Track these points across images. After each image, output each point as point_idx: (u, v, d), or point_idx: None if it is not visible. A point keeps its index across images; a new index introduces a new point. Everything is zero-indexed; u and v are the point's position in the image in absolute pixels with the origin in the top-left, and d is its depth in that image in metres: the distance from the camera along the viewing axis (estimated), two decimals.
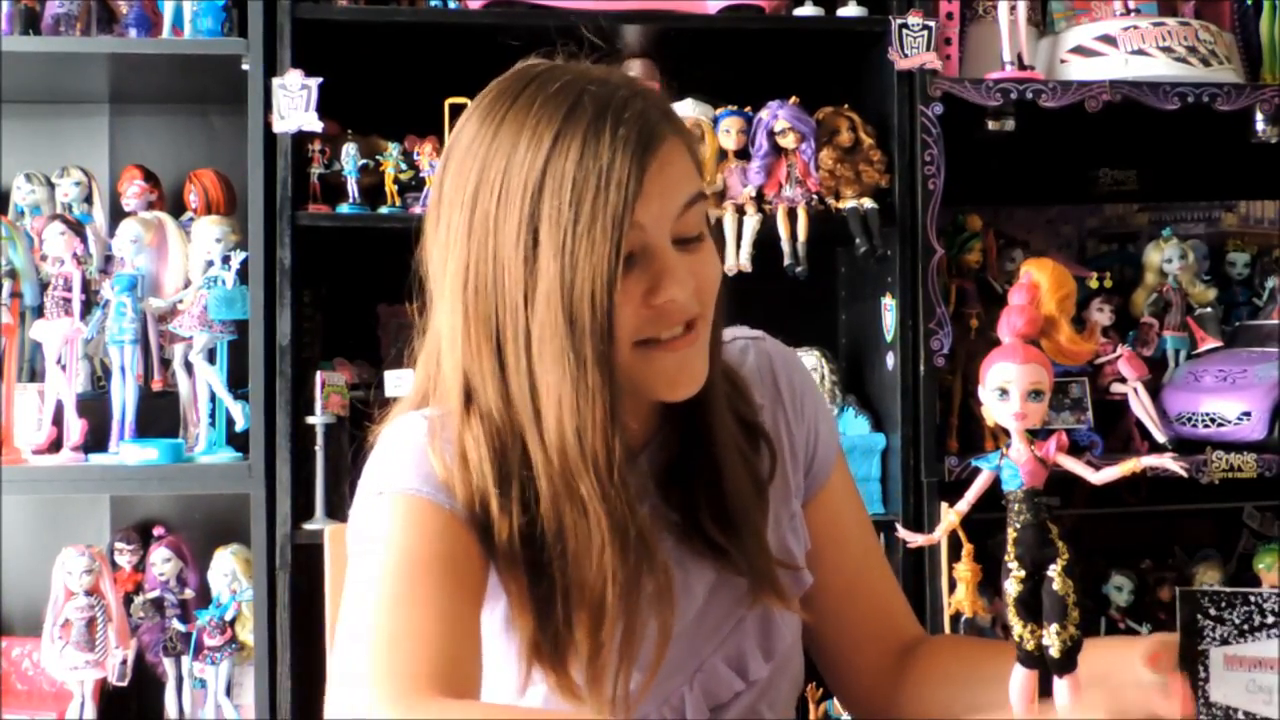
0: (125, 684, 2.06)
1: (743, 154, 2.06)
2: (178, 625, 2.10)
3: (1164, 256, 2.22)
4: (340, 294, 2.25)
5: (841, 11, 2.11)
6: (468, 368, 1.00)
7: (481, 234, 0.97)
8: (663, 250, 0.98)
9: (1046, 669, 1.53)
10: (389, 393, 2.03)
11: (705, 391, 1.04)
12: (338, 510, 1.98)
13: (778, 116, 2.02)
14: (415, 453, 1.01)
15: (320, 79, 1.96)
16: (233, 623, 2.08)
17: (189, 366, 2.07)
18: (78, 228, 2.10)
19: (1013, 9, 2.08)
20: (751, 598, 1.09)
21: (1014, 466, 1.66)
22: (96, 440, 2.03)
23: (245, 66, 1.98)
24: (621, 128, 0.96)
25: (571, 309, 0.94)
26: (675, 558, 1.05)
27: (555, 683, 0.98)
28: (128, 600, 2.11)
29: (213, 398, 2.05)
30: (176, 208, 2.24)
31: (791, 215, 2.01)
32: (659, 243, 0.98)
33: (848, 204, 2.03)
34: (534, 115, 0.97)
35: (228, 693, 2.08)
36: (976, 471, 1.70)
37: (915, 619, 1.27)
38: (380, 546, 0.98)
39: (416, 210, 2.03)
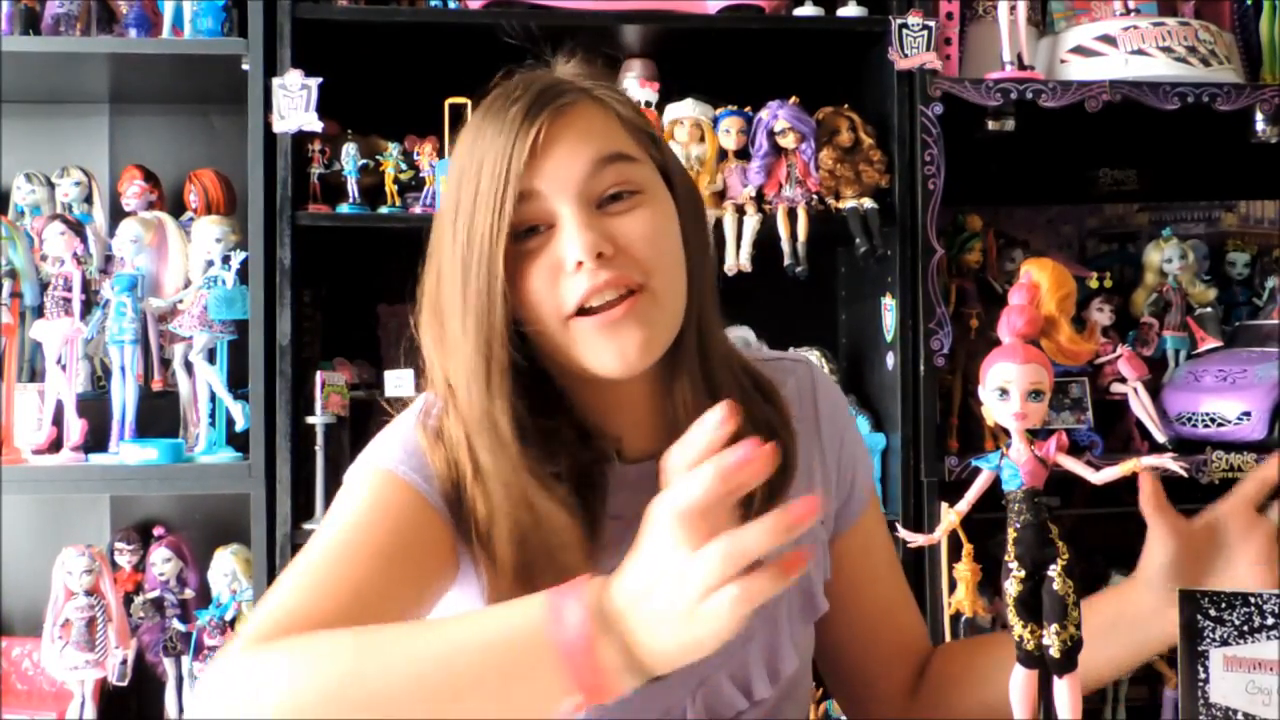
0: (125, 684, 2.06)
1: (743, 154, 2.06)
2: (178, 625, 2.10)
3: (1164, 256, 2.22)
4: (340, 294, 2.25)
5: (841, 11, 2.11)
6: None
7: (436, 229, 1.05)
8: (563, 214, 0.99)
9: (1047, 669, 1.53)
10: (389, 393, 2.04)
11: (693, 391, 1.03)
12: None
13: (778, 116, 2.02)
14: (406, 432, 1.04)
15: (320, 79, 1.96)
16: (233, 623, 2.09)
17: (189, 366, 2.07)
18: (78, 228, 2.10)
19: (1012, 9, 2.08)
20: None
21: (1014, 466, 1.66)
22: (96, 440, 2.03)
23: (245, 66, 1.98)
24: (516, 105, 1.00)
25: (469, 282, 0.98)
26: None
27: None
28: (128, 600, 2.11)
29: (213, 398, 2.05)
30: (176, 208, 2.24)
31: (791, 215, 2.01)
32: (561, 207, 0.99)
33: (848, 204, 2.03)
34: (475, 116, 1.04)
35: None
36: (976, 471, 1.70)
37: (928, 638, 1.29)
38: (337, 509, 1.00)
39: (416, 210, 2.03)
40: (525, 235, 1.00)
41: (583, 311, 0.99)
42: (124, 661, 2.04)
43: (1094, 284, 2.16)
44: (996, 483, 1.71)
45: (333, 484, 2.00)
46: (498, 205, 0.98)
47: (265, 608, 0.90)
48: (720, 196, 2.04)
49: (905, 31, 2.03)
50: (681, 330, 1.04)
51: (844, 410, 1.24)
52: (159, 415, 2.10)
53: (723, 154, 2.06)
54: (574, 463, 1.02)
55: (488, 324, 0.98)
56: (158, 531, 2.15)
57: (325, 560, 0.94)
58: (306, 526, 1.97)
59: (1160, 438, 2.09)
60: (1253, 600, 1.46)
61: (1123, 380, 2.11)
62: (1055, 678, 1.56)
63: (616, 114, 1.04)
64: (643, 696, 1.02)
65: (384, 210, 2.04)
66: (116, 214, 2.20)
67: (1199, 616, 1.40)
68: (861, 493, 1.22)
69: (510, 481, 0.98)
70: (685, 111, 2.02)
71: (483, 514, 0.99)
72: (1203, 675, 1.53)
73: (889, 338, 2.07)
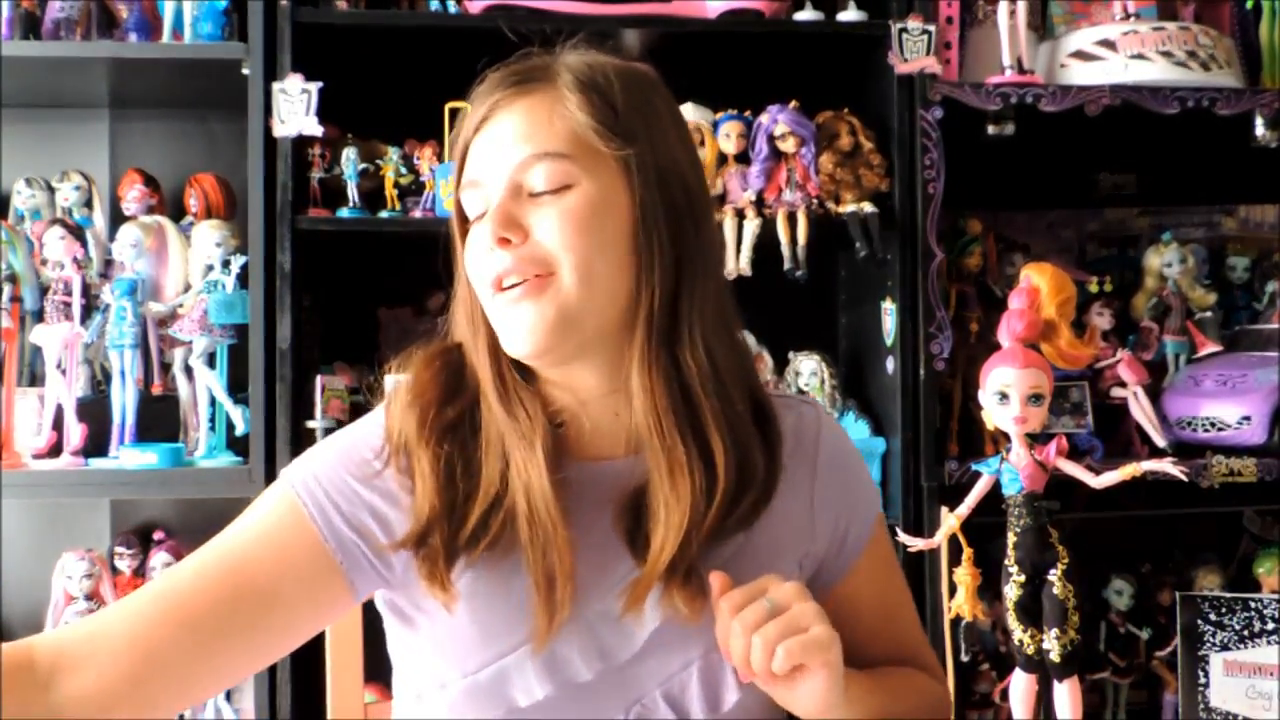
0: None
1: (743, 158, 2.07)
2: None
3: (1164, 260, 2.22)
4: (340, 298, 2.25)
5: (841, 16, 2.11)
6: None
7: None
8: (494, 200, 1.05)
9: (1047, 673, 1.53)
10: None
11: (648, 384, 1.05)
12: None
13: (778, 121, 2.03)
14: (340, 436, 1.13)
15: (320, 83, 1.96)
16: None
17: (189, 370, 2.07)
18: (78, 232, 2.10)
19: (1012, 13, 2.08)
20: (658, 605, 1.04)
21: (1014, 470, 1.67)
22: (96, 444, 2.03)
23: (245, 71, 1.98)
24: (481, 92, 1.09)
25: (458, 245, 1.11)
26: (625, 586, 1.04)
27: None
28: None
29: (213, 402, 2.05)
30: (177, 212, 2.24)
31: (791, 219, 2.02)
32: (494, 195, 1.06)
33: (848, 208, 2.03)
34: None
35: (227, 696, 2.08)
36: (976, 475, 1.70)
37: (934, 663, 1.25)
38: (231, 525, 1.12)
39: (416, 214, 2.03)
40: (475, 217, 1.09)
41: (501, 289, 1.05)
42: None
43: (1094, 288, 2.16)
44: (996, 487, 1.71)
45: None
46: (455, 189, 1.09)
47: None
48: (720, 201, 2.05)
49: (905, 36, 2.03)
50: (634, 324, 1.05)
51: (850, 459, 1.20)
52: (159, 419, 2.09)
53: (723, 158, 2.06)
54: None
55: (468, 288, 1.09)
56: (158, 536, 2.15)
57: (165, 583, 1.05)
58: None
59: (1160, 442, 2.09)
60: (1253, 604, 1.46)
61: (1123, 384, 2.11)
62: (1055, 682, 1.56)
63: (566, 110, 1.05)
64: (574, 714, 1.04)
65: (384, 214, 2.04)
66: (117, 218, 2.20)
67: (1199, 620, 1.40)
68: (853, 546, 1.17)
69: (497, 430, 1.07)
70: (685, 115, 2.02)
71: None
72: (1203, 680, 1.53)
73: (889, 342, 2.07)
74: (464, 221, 1.09)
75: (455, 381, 1.10)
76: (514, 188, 1.04)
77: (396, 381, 1.12)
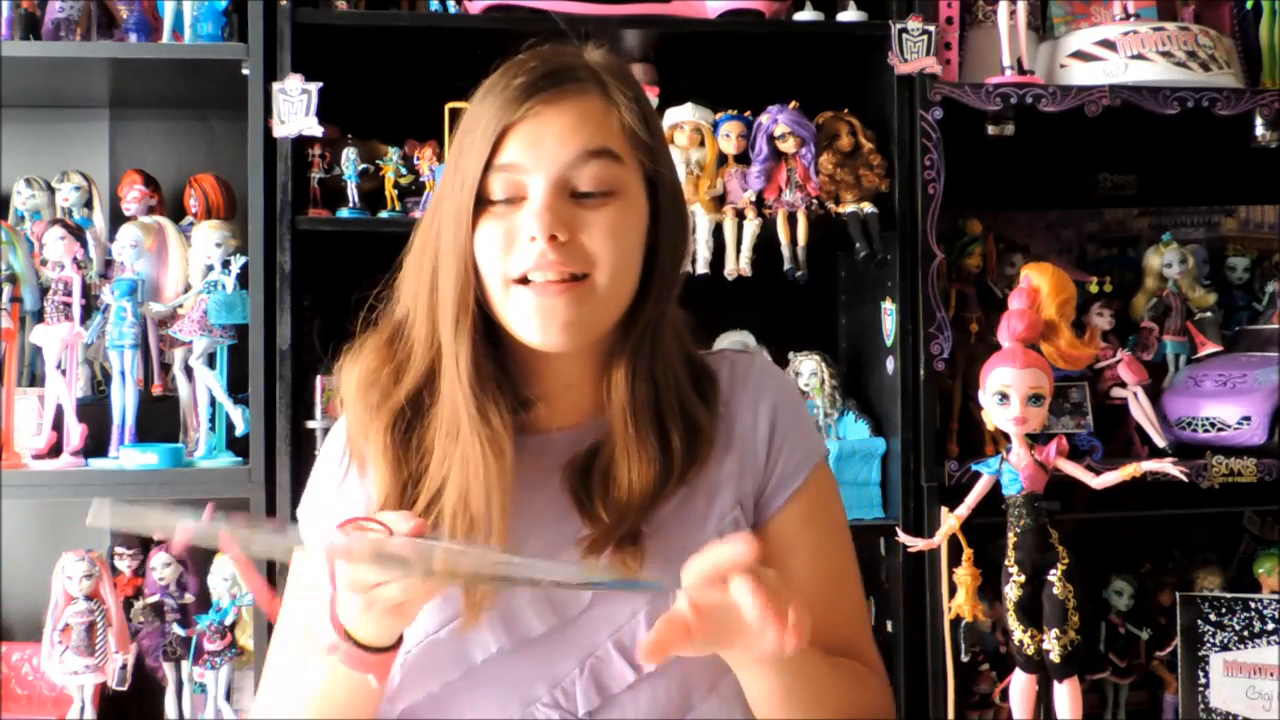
0: (125, 689, 2.06)
1: (743, 158, 2.06)
2: (178, 630, 2.10)
3: (1164, 261, 2.22)
4: (340, 298, 2.25)
5: (841, 16, 2.11)
6: None
7: (444, 174, 1.14)
8: (538, 191, 1.05)
9: (1047, 673, 1.52)
10: None
11: (629, 382, 1.09)
12: None
13: (778, 121, 2.02)
14: (315, 472, 1.22)
15: (320, 84, 1.96)
16: (232, 627, 2.08)
17: (189, 371, 2.07)
18: (78, 232, 2.10)
19: (1012, 14, 2.08)
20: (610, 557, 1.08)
21: (1014, 471, 1.67)
22: (96, 445, 2.03)
23: (245, 71, 1.98)
24: (522, 76, 1.07)
25: (457, 230, 1.07)
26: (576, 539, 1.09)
27: None
28: (128, 605, 2.11)
29: (212, 402, 2.05)
30: (177, 212, 2.24)
31: (791, 220, 2.01)
32: (535, 183, 1.05)
33: (848, 208, 2.03)
34: (496, 72, 1.11)
35: (227, 697, 2.08)
36: (976, 476, 1.70)
37: (871, 656, 1.20)
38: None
39: (416, 215, 2.03)
40: (499, 201, 1.07)
41: (523, 281, 1.06)
42: (124, 666, 2.04)
43: (1094, 288, 2.16)
44: (996, 487, 1.72)
45: None
46: (475, 168, 1.07)
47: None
48: (720, 201, 2.04)
49: (905, 36, 2.03)
50: (631, 326, 1.11)
51: (783, 397, 1.21)
52: (159, 420, 2.09)
53: (722, 158, 2.06)
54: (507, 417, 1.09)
55: (463, 271, 1.07)
56: (157, 536, 2.15)
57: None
58: None
59: (1160, 442, 2.09)
60: (1253, 604, 1.46)
61: (1123, 385, 2.11)
62: (1055, 682, 1.56)
63: (619, 113, 1.08)
64: (530, 667, 1.07)
65: (384, 215, 2.04)
66: (116, 219, 2.20)
67: (1199, 620, 1.41)
68: (780, 481, 1.17)
69: (454, 415, 1.08)
70: (685, 116, 2.02)
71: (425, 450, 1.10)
72: (1203, 680, 1.53)
73: (889, 342, 2.07)
74: (478, 205, 1.08)
75: (403, 363, 1.13)
76: (560, 183, 1.06)
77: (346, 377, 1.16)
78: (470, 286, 1.08)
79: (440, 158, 2.03)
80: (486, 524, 1.04)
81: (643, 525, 1.09)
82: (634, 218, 1.09)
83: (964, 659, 1.96)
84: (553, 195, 1.05)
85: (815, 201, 2.03)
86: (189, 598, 2.13)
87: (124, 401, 2.01)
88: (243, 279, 2.01)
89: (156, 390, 2.10)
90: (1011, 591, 1.64)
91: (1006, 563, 1.65)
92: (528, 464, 1.10)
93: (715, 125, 2.06)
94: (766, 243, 2.01)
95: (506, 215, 1.07)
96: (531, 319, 1.06)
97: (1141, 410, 2.10)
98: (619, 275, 1.07)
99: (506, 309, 1.08)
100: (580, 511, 1.10)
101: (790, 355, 2.20)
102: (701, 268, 1.97)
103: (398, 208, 2.05)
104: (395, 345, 1.14)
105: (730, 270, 1.99)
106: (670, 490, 1.11)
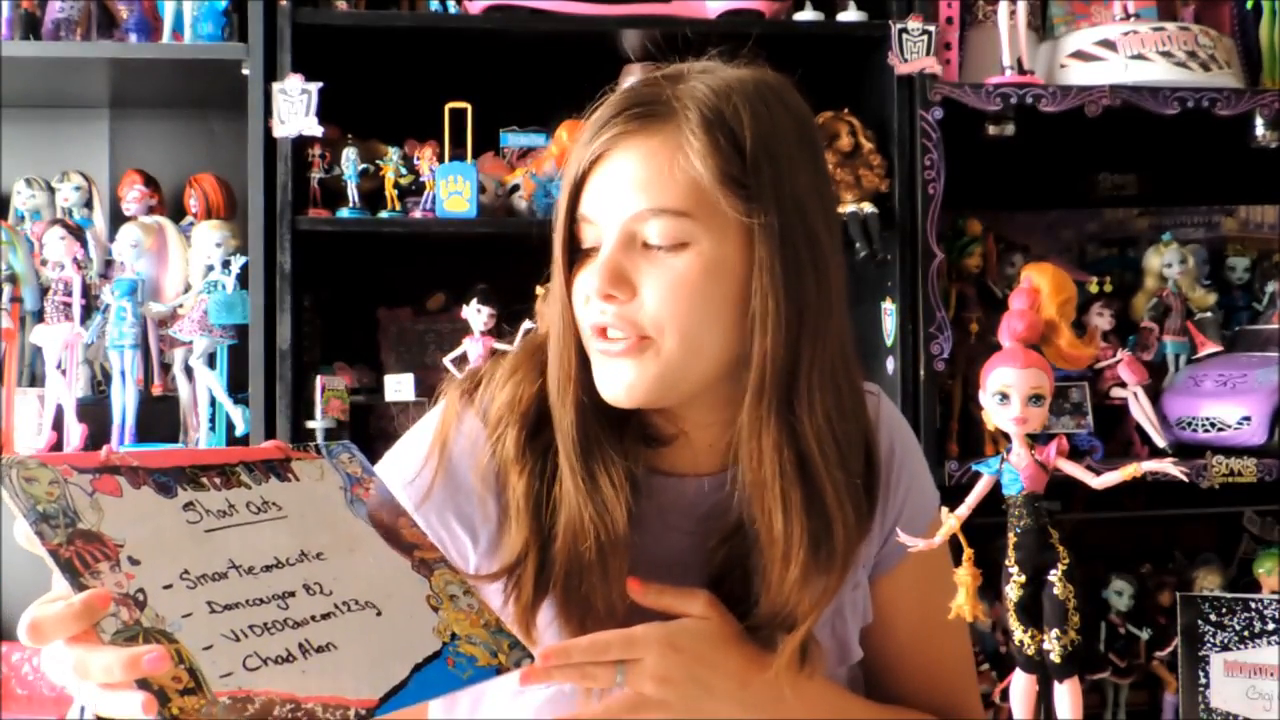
0: None
1: None
2: None
3: (1164, 261, 2.22)
4: (340, 298, 2.25)
5: (841, 16, 2.11)
6: None
7: None
8: (606, 245, 1.00)
9: (1047, 673, 1.52)
10: (389, 397, 2.04)
11: (757, 440, 1.00)
12: None
13: None
14: (401, 448, 1.14)
15: (320, 84, 1.96)
16: None
17: (189, 371, 2.07)
18: (78, 232, 2.10)
19: (1012, 14, 2.08)
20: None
21: (1014, 471, 1.66)
22: (96, 445, 2.02)
23: (245, 71, 1.98)
24: (605, 110, 1.02)
25: (555, 272, 1.03)
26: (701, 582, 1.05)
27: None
28: None
29: (213, 402, 2.05)
30: (177, 212, 2.24)
31: None
32: (608, 237, 1.00)
33: (848, 208, 2.03)
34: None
35: None
36: (977, 476, 1.70)
37: (973, 709, 1.21)
38: None
39: (416, 215, 2.03)
40: (587, 250, 1.03)
41: (602, 332, 1.00)
42: None
43: (1094, 289, 2.16)
44: (997, 487, 1.71)
45: None
46: (564, 219, 1.02)
47: None
48: None
49: (905, 36, 2.03)
50: (743, 374, 1.00)
51: (903, 440, 1.18)
52: (159, 420, 2.09)
53: None
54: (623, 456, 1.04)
55: (568, 318, 1.03)
56: None
57: None
58: None
59: (1160, 442, 2.09)
60: (1253, 605, 1.46)
61: (1123, 385, 2.11)
62: (1055, 682, 1.56)
63: (697, 154, 0.97)
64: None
65: (384, 215, 2.04)
66: (116, 219, 2.20)
67: (1199, 621, 1.40)
68: (910, 526, 1.15)
69: (570, 455, 1.02)
70: None
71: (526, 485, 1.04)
72: (1203, 681, 1.53)
73: (889, 342, 2.07)
74: (572, 251, 1.03)
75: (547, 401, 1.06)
76: (627, 237, 0.99)
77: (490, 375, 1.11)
78: (572, 346, 1.02)
79: (440, 158, 2.03)
80: (604, 583, 1.00)
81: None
82: (713, 269, 0.97)
83: None
84: (618, 250, 0.98)
85: None
86: None
87: (124, 401, 2.01)
88: (243, 279, 2.01)
89: (156, 390, 2.10)
90: (1011, 591, 1.63)
91: (1006, 563, 1.65)
92: (652, 507, 1.05)
93: None
94: None
95: (583, 266, 1.02)
96: (602, 378, 1.01)
97: (1141, 410, 2.10)
98: (692, 334, 0.97)
99: (593, 360, 1.02)
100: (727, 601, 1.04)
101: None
102: None
103: (398, 208, 2.04)
104: (543, 377, 1.07)
105: None
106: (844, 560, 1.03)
